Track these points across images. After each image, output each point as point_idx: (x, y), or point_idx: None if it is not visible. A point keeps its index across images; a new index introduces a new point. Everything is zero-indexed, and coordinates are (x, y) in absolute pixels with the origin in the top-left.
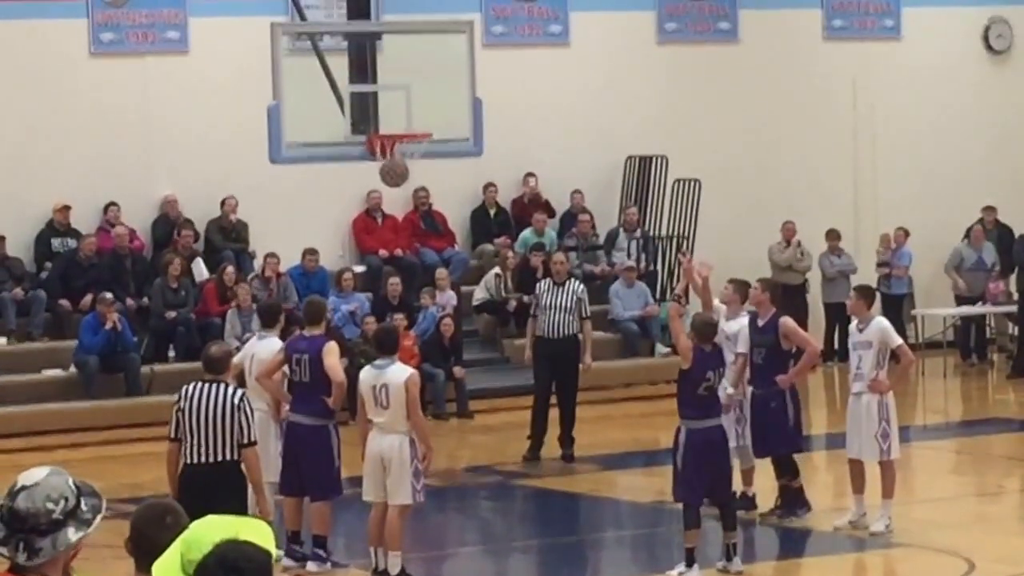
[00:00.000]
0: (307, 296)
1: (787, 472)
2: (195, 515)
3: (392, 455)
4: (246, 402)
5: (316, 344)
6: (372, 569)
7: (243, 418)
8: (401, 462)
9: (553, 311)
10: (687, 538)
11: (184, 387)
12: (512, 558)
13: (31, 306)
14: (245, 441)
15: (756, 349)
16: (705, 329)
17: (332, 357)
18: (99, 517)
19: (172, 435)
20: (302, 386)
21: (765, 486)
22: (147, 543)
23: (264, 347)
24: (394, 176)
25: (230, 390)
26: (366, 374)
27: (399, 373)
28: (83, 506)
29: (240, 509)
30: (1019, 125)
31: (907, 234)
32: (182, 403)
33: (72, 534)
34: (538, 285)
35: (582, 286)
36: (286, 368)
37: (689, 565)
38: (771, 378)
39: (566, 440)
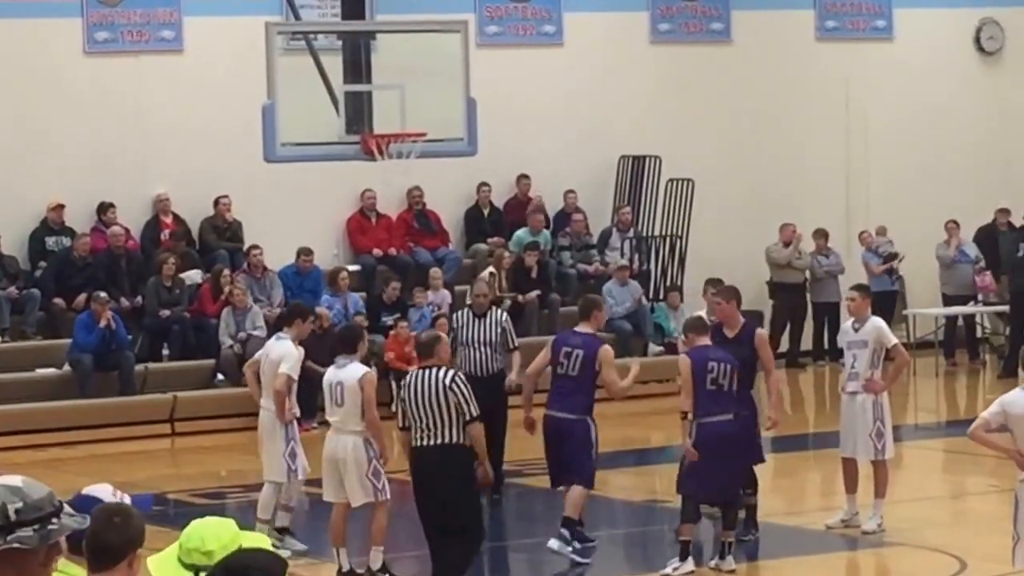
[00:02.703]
0: (300, 295)
1: (751, 485)
2: (426, 494)
3: (346, 456)
4: (458, 381)
5: (589, 341)
6: (337, 570)
7: (458, 396)
8: (356, 462)
9: (474, 347)
10: (682, 531)
11: (405, 377)
12: (507, 557)
13: (25, 304)
14: (467, 417)
15: None
16: (698, 323)
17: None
18: (21, 530)
19: (401, 424)
20: (568, 380)
21: (764, 486)
22: (97, 543)
23: (279, 348)
24: None
25: (441, 372)
26: (328, 373)
27: (354, 372)
28: (9, 514)
29: (466, 488)
30: (1010, 126)
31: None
32: (403, 393)
33: None
34: (455, 317)
35: (506, 315)
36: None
37: (683, 558)
38: (744, 389)
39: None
